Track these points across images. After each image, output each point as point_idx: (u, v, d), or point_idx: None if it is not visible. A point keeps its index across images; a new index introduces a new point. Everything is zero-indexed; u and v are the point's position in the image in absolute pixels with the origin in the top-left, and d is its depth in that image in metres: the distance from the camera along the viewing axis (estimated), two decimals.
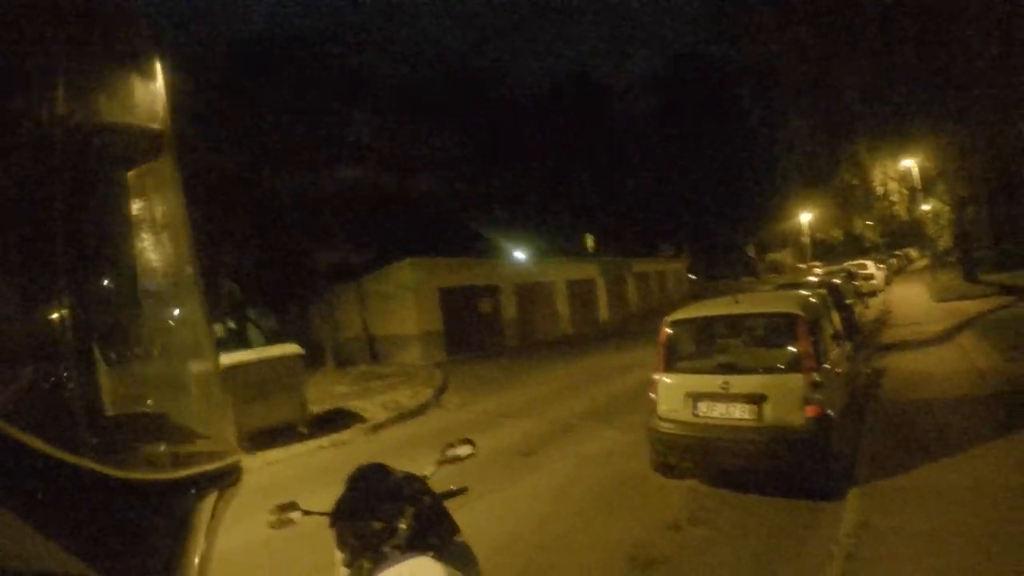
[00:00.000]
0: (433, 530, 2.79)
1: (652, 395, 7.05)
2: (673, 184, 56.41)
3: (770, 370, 6.43)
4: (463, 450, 3.18)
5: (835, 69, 19.28)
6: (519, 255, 32.06)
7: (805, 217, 50.63)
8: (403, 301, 22.86)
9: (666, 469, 7.18)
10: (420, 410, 13.48)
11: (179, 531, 0.91)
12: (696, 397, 6.63)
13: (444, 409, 13.72)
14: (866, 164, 29.05)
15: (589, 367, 17.65)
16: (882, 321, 20.16)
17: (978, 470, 6.23)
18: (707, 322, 7.51)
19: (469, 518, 3.97)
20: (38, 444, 0.69)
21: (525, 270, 29.04)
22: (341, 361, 23.20)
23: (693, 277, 55.41)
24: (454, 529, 2.95)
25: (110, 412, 0.88)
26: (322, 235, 24.11)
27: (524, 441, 9.68)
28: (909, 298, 26.94)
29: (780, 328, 6.76)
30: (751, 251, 69.54)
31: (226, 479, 1.04)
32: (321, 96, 25.73)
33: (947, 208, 31.50)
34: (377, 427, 11.95)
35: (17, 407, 0.73)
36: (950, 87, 16.09)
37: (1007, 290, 23.17)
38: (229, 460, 1.06)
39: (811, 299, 7.35)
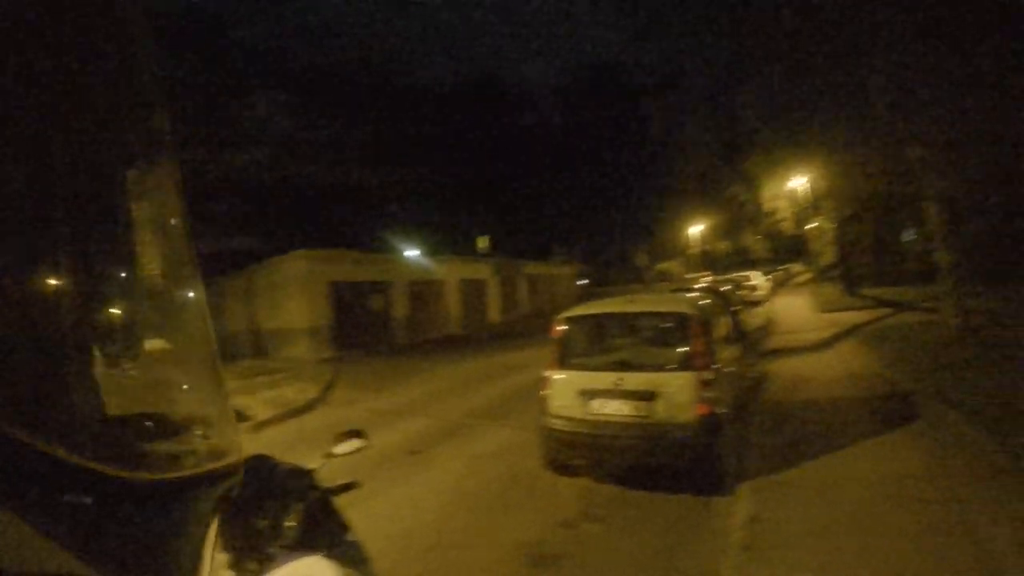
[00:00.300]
0: (323, 528, 2.56)
1: (545, 392, 7.01)
2: (570, 190, 57.43)
3: (663, 368, 6.49)
4: (354, 443, 2.94)
5: (733, 89, 20.17)
6: (413, 252, 31.71)
7: (695, 229, 52.60)
8: (292, 294, 22.13)
9: (559, 467, 7.18)
10: (307, 407, 13.01)
11: (179, 530, 0.89)
12: (589, 394, 6.64)
13: (332, 406, 13.30)
14: (758, 181, 30.52)
15: (480, 366, 17.61)
16: (767, 329, 21.17)
17: (859, 464, 6.57)
18: (601, 319, 7.46)
19: (361, 516, 3.77)
20: (38, 444, 0.68)
21: (418, 267, 28.72)
22: (226, 356, 22.19)
23: (584, 282, 56.55)
24: (345, 527, 2.73)
25: (110, 412, 0.86)
26: (208, 221, 23.03)
27: (415, 439, 9.47)
28: (793, 309, 28.46)
29: (673, 327, 6.79)
30: (642, 260, 71.66)
31: (226, 478, 1.04)
32: (220, 75, 24.56)
33: (832, 225, 33.52)
34: (261, 424, 11.42)
35: (17, 407, 0.69)
36: (845, 115, 17.07)
37: (884, 304, 24.95)
38: (229, 459, 1.05)
39: (703, 301, 7.52)
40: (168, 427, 0.96)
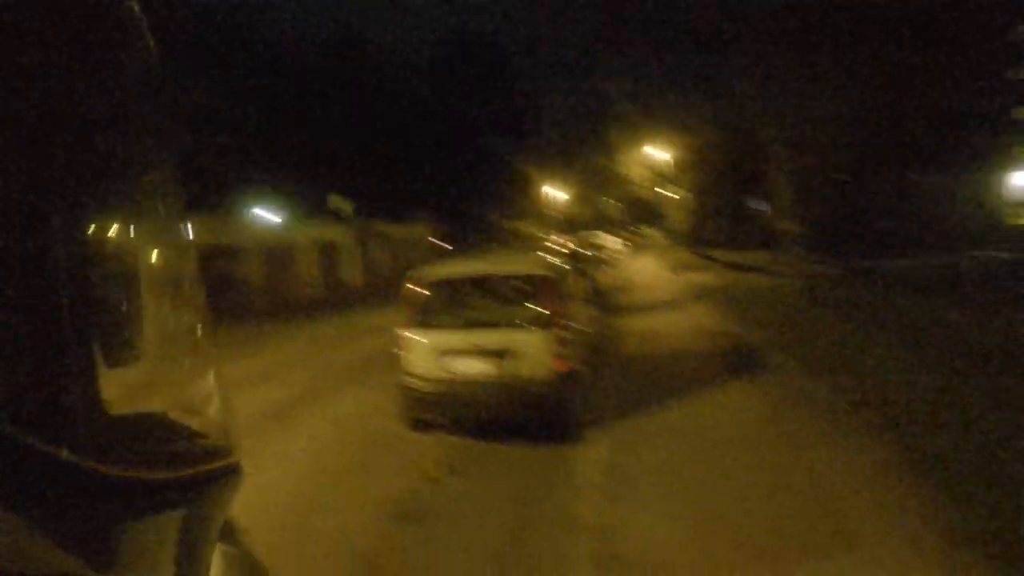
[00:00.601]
0: None
1: (401, 352, 7.10)
2: (426, 149, 56.74)
3: (516, 326, 6.74)
4: None
5: (599, 62, 20.78)
6: (268, 215, 30.51)
7: (553, 191, 53.57)
8: None
9: (420, 425, 7.33)
10: None
11: (179, 530, 0.90)
12: (445, 353, 6.81)
13: None
14: (618, 148, 31.64)
15: (339, 329, 17.47)
16: (622, 288, 22.20)
17: (706, 411, 7.31)
18: (455, 279, 7.52)
19: None
20: (38, 444, 0.67)
21: (274, 231, 27.71)
22: None
23: (438, 241, 56.45)
24: None
25: (110, 412, 0.83)
26: None
27: (275, 405, 9.33)
28: (647, 269, 30.00)
29: (529, 287, 7.01)
30: (499, 220, 72.25)
31: (226, 478, 1.04)
32: None
33: (687, 194, 35.37)
34: None
35: (17, 407, 0.69)
36: (704, 94, 18.12)
37: (734, 267, 26.90)
38: (229, 459, 1.05)
39: (558, 262, 7.85)
40: (168, 427, 0.98)
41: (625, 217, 59.27)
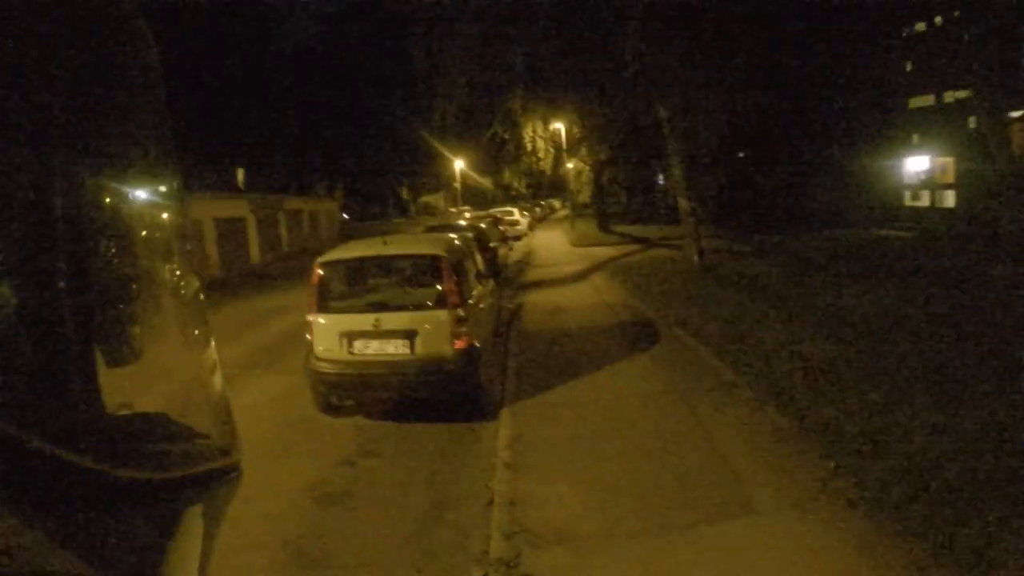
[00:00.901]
0: None
1: (308, 337, 7.15)
2: (331, 122, 55.37)
3: (419, 307, 6.95)
4: None
5: (499, 28, 20.71)
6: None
7: (459, 164, 53.37)
8: None
9: (330, 409, 7.43)
10: None
11: (179, 530, 0.90)
12: (351, 336, 6.89)
13: None
14: (519, 121, 31.78)
15: (243, 311, 16.93)
16: (526, 262, 22.49)
17: (608, 383, 7.66)
18: (358, 263, 7.65)
19: None
20: (38, 444, 0.67)
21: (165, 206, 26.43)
22: None
23: (346, 217, 55.51)
24: None
25: (110, 412, 0.83)
26: None
27: None
28: (551, 243, 30.38)
29: (427, 268, 7.21)
30: (405, 193, 71.61)
31: (226, 478, 1.04)
32: None
33: (587, 167, 35.89)
34: None
35: (17, 407, 0.69)
36: (597, 73, 18.40)
37: (635, 240, 27.57)
38: (229, 459, 1.05)
39: (456, 242, 8.07)
40: (168, 427, 0.97)
41: (529, 189, 59.76)
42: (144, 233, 1.04)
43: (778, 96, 21.94)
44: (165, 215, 1.09)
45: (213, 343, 1.15)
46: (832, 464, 5.11)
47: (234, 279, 26.51)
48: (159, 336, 1.02)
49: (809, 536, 4.22)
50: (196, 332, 1.14)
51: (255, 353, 11.36)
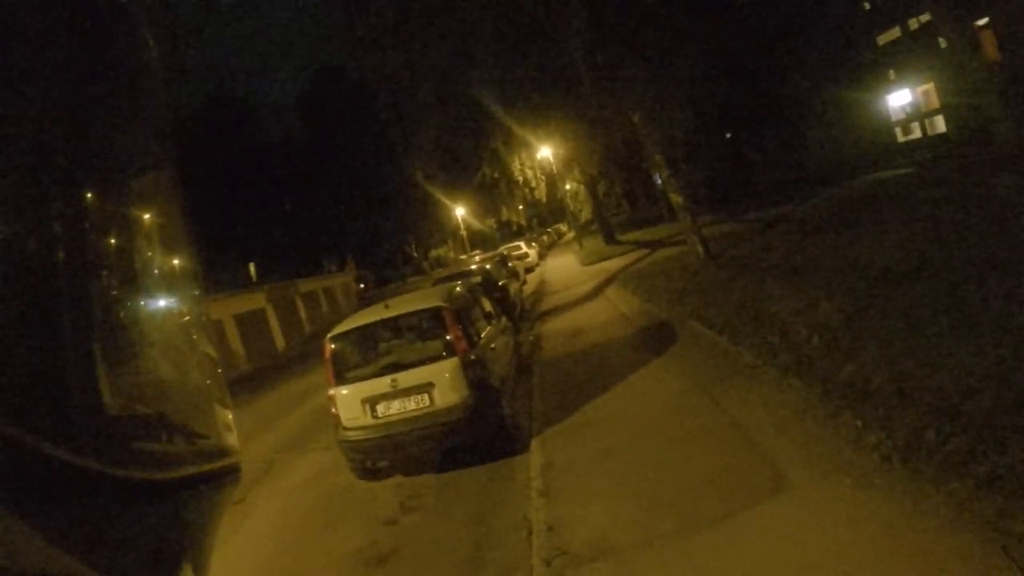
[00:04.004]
0: None
1: (333, 409, 7.29)
2: (328, 198, 56.24)
3: (431, 360, 7.04)
4: None
5: (465, 78, 21.12)
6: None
7: (459, 212, 53.79)
8: None
9: (368, 473, 7.50)
10: None
11: (179, 530, 0.90)
12: (372, 401, 7.02)
13: None
14: (505, 158, 32.15)
15: (273, 399, 17.12)
16: (540, 292, 22.54)
17: (632, 392, 7.68)
18: (365, 330, 7.78)
19: None
20: (38, 444, 0.68)
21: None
22: None
23: (363, 286, 55.96)
24: None
25: (110, 412, 0.84)
26: None
27: None
28: (561, 267, 30.45)
29: (431, 321, 7.38)
30: (414, 251, 72.17)
31: (225, 478, 1.04)
32: None
33: (582, 186, 36.11)
34: None
35: (17, 407, 0.70)
36: (567, 92, 18.74)
37: (641, 245, 27.55)
38: (228, 459, 1.06)
39: (457, 290, 8.21)
40: (168, 427, 0.96)
41: (531, 220, 60.01)
42: (145, 232, 1.02)
43: (740, 74, 22.06)
44: (164, 211, 1.08)
45: (213, 345, 1.18)
46: (859, 423, 5.04)
47: (261, 370, 26.70)
48: (161, 340, 1.00)
49: (844, 500, 4.18)
50: (197, 335, 1.14)
51: (292, 435, 11.51)
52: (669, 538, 4.39)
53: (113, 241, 0.94)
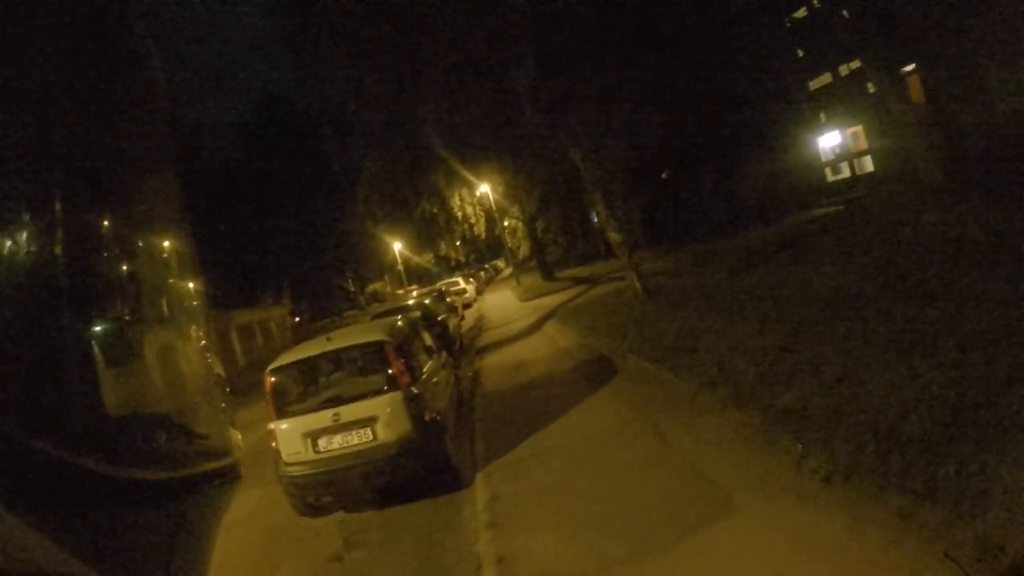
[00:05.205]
0: None
1: (273, 444, 7.12)
2: (265, 229, 55.19)
3: (373, 394, 6.95)
4: None
5: (409, 115, 21.29)
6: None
7: (397, 246, 53.53)
8: None
9: (311, 510, 7.34)
10: None
11: (179, 529, 0.90)
12: (313, 435, 6.88)
13: None
14: (445, 193, 32.30)
15: None
16: (478, 327, 22.55)
17: (573, 424, 7.74)
18: (306, 363, 7.69)
19: None
20: (38, 444, 0.68)
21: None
22: None
23: (297, 319, 54.87)
24: None
25: (111, 413, 0.83)
26: None
27: None
28: (500, 303, 30.50)
29: (373, 355, 7.31)
30: (351, 285, 71.23)
31: (225, 478, 1.00)
32: None
33: (521, 222, 36.40)
34: None
35: (18, 407, 0.70)
36: (510, 131, 19.04)
37: (579, 281, 27.83)
38: (228, 460, 1.02)
39: (398, 324, 8.19)
40: (168, 428, 0.88)
41: (469, 256, 60.15)
42: (150, 243, 0.99)
43: (678, 115, 22.80)
44: (165, 214, 1.03)
45: (211, 350, 1.14)
46: (800, 446, 5.19)
47: None
48: (161, 344, 0.99)
49: (790, 520, 4.30)
50: (197, 338, 1.11)
51: None
52: (621, 564, 4.42)
53: (115, 244, 0.92)
